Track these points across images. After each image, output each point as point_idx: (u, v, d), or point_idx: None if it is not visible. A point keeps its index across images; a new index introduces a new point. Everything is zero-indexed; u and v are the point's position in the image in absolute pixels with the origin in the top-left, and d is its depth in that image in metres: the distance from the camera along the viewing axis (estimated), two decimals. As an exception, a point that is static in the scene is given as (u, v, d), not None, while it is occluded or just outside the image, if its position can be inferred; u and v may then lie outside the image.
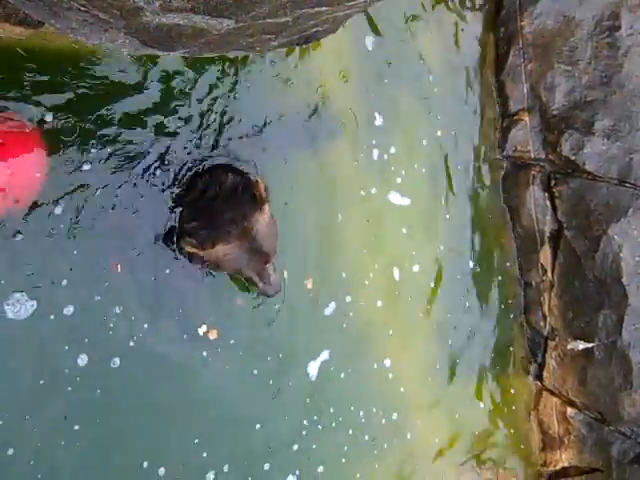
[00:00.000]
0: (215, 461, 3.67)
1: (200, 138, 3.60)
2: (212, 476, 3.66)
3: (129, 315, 3.37)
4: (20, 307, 3.11)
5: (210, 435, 3.64)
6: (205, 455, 3.63)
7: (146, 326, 3.43)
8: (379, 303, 4.35)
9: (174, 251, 3.46)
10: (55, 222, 3.18)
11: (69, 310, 3.22)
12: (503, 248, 5.10)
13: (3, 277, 3.07)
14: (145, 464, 3.43)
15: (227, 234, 3.17)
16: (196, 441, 3.60)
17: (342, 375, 4.16)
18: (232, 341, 3.72)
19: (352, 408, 4.22)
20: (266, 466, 3.85)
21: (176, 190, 3.47)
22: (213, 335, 3.68)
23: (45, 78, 3.13)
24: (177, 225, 3.39)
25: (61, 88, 3.18)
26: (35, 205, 3.11)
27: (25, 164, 3.04)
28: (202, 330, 3.63)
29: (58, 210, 3.18)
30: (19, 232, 3.09)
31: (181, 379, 3.57)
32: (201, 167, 3.56)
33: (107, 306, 3.32)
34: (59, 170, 3.17)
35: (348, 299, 4.21)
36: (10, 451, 3.09)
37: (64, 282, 3.21)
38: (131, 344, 3.38)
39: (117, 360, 3.35)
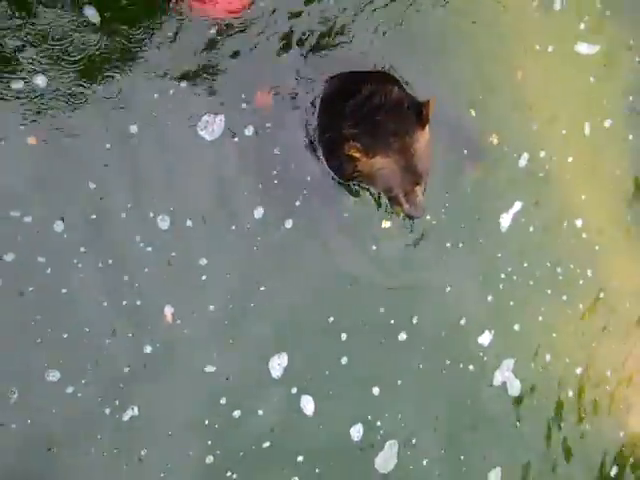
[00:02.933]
0: (404, 322, 3.83)
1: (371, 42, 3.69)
2: (404, 335, 3.82)
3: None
4: (212, 127, 3.39)
5: (396, 302, 3.81)
6: (392, 322, 3.80)
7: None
8: (570, 159, 4.24)
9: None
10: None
11: (250, 130, 3.49)
12: None
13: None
14: (330, 320, 3.68)
15: (387, 146, 3.16)
16: (382, 310, 3.79)
17: (532, 229, 4.16)
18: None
19: (548, 264, 4.22)
20: (462, 321, 3.98)
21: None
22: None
23: None
24: (336, 127, 3.38)
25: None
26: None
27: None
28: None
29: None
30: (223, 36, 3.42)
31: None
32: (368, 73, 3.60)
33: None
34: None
35: (542, 154, 4.15)
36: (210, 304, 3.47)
37: (244, 105, 3.48)
38: (297, 203, 3.60)
39: (290, 222, 3.59)
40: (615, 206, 4.45)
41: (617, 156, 4.42)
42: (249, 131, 3.47)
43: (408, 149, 3.18)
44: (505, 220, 4.07)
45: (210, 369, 3.43)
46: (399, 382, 3.81)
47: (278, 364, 3.56)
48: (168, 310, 3.36)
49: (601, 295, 4.38)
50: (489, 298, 4.03)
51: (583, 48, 4.24)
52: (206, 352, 3.44)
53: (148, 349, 3.32)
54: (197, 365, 3.43)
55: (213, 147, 3.41)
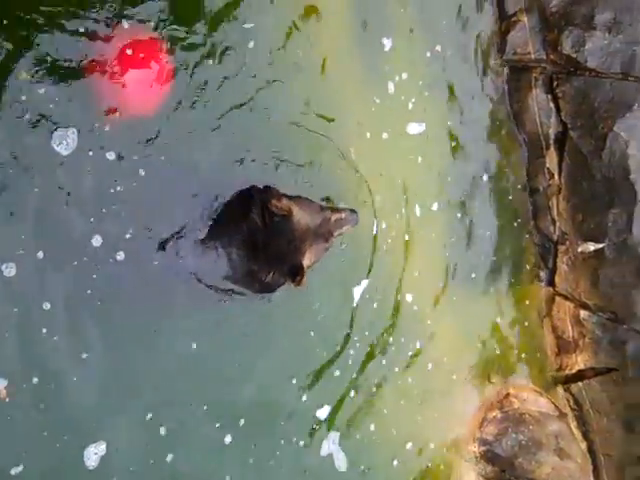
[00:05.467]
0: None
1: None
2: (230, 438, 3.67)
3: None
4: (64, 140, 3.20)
5: (250, 365, 3.73)
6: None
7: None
8: (406, 237, 4.40)
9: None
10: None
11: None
12: (512, 156, 5.07)
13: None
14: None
15: (301, 252, 3.35)
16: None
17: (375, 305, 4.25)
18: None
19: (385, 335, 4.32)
20: (304, 398, 3.93)
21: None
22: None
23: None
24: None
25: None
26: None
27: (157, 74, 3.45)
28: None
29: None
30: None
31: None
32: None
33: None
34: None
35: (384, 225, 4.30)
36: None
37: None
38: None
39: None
40: (442, 282, 4.63)
41: (445, 236, 4.64)
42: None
43: (307, 230, 3.37)
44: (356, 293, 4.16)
45: (16, 470, 3.05)
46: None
47: (95, 453, 3.24)
48: (1, 384, 3.00)
49: (429, 367, 4.52)
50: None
51: (413, 128, 4.43)
52: (19, 446, 3.05)
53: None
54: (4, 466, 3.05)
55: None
